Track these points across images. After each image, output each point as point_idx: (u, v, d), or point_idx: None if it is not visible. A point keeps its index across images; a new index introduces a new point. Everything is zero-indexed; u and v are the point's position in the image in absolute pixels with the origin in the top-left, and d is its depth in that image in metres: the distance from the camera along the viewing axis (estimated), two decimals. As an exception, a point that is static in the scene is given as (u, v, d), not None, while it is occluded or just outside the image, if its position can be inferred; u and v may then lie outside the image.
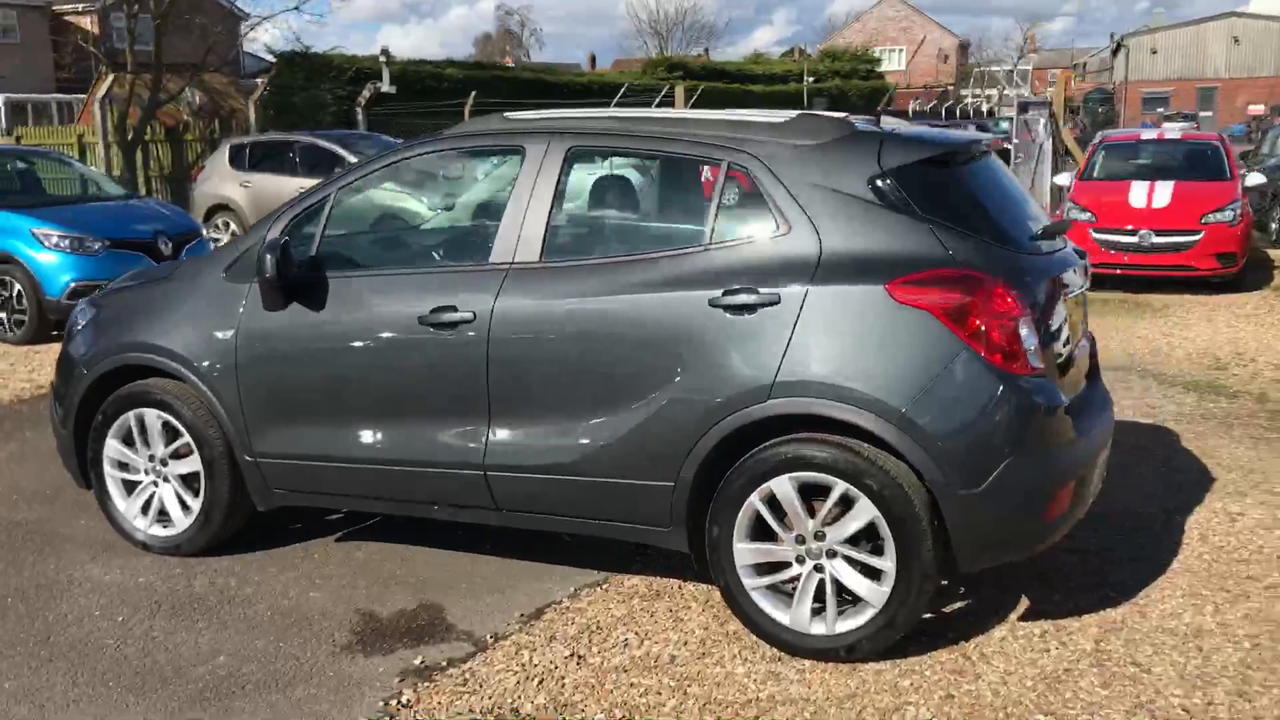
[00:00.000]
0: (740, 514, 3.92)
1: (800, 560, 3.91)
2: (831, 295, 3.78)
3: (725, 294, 3.88)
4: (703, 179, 4.37)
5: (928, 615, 4.25)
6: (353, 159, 14.53)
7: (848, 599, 3.89)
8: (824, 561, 3.88)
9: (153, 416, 4.84)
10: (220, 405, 4.67)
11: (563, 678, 3.85)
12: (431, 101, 20.56)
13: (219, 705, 3.71)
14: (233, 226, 15.52)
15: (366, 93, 20.02)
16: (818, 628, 3.90)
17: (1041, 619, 4.24)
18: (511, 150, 4.38)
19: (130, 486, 4.98)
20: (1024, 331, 3.73)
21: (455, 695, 3.75)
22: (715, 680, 3.82)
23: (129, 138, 20.85)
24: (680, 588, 4.52)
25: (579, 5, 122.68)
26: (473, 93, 19.57)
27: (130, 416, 4.89)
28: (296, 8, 25.75)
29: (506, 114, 4.63)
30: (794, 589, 3.92)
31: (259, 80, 21.05)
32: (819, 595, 3.90)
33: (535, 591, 4.55)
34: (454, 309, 4.23)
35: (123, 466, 4.98)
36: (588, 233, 4.51)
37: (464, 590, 4.58)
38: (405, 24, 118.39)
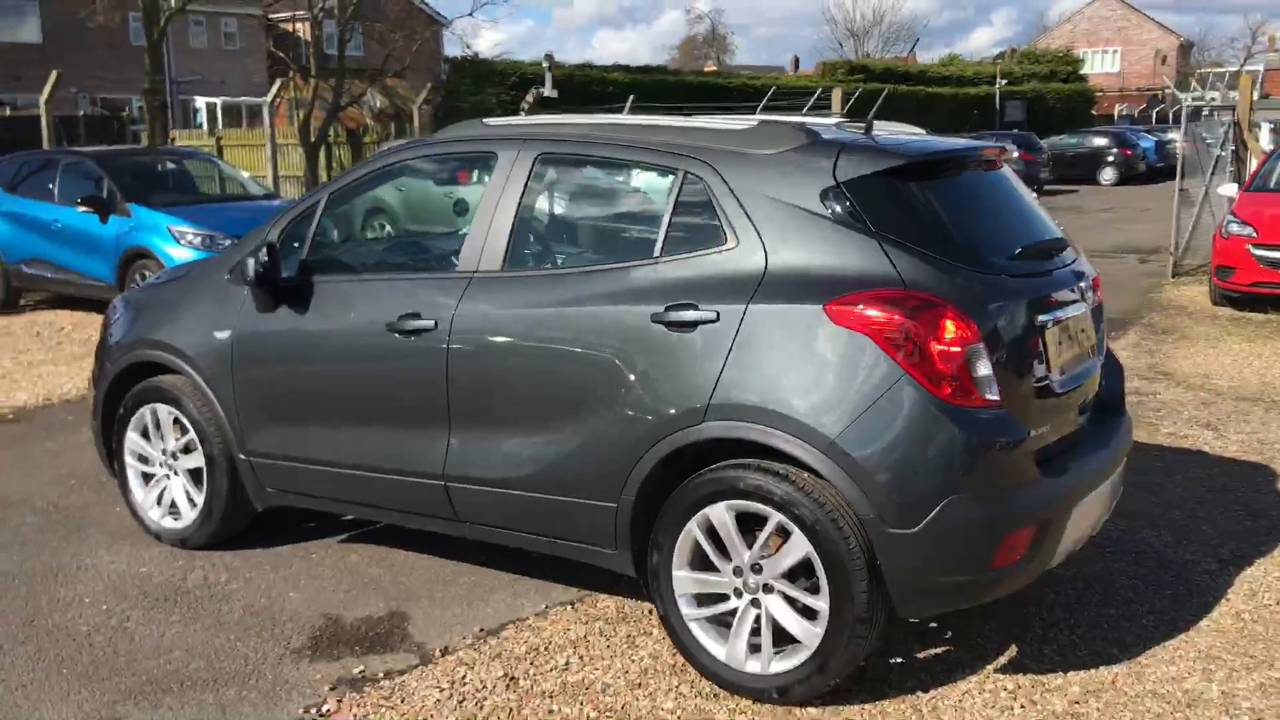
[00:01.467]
0: (679, 540, 3.74)
1: (738, 593, 3.70)
2: (770, 314, 3.55)
3: (667, 309, 3.70)
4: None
5: (897, 659, 3.97)
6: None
7: (784, 638, 3.65)
8: (760, 596, 3.66)
9: (165, 412, 5.00)
10: (218, 404, 4.78)
11: (485, 699, 3.75)
12: (594, 106, 20.72)
13: (150, 700, 3.77)
14: (388, 228, 16.03)
15: (530, 97, 20.37)
16: (753, 665, 3.67)
17: (1021, 673, 3.89)
18: (485, 156, 4.31)
19: (147, 478, 5.16)
20: (976, 360, 3.41)
21: (374, 708, 3.71)
22: (637, 714, 3.64)
23: (311, 139, 21.91)
24: (649, 612, 4.35)
25: (792, 7, 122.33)
26: (630, 97, 19.61)
27: (146, 411, 5.06)
28: (471, 13, 26.47)
29: (486, 119, 4.57)
30: (732, 622, 3.71)
31: (429, 85, 21.74)
32: (757, 631, 3.68)
33: (505, 606, 4.46)
34: (418, 316, 4.20)
35: (142, 459, 5.15)
36: (551, 241, 4.39)
37: (437, 600, 4.54)
38: (621, 29, 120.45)
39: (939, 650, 4.07)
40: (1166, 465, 6.19)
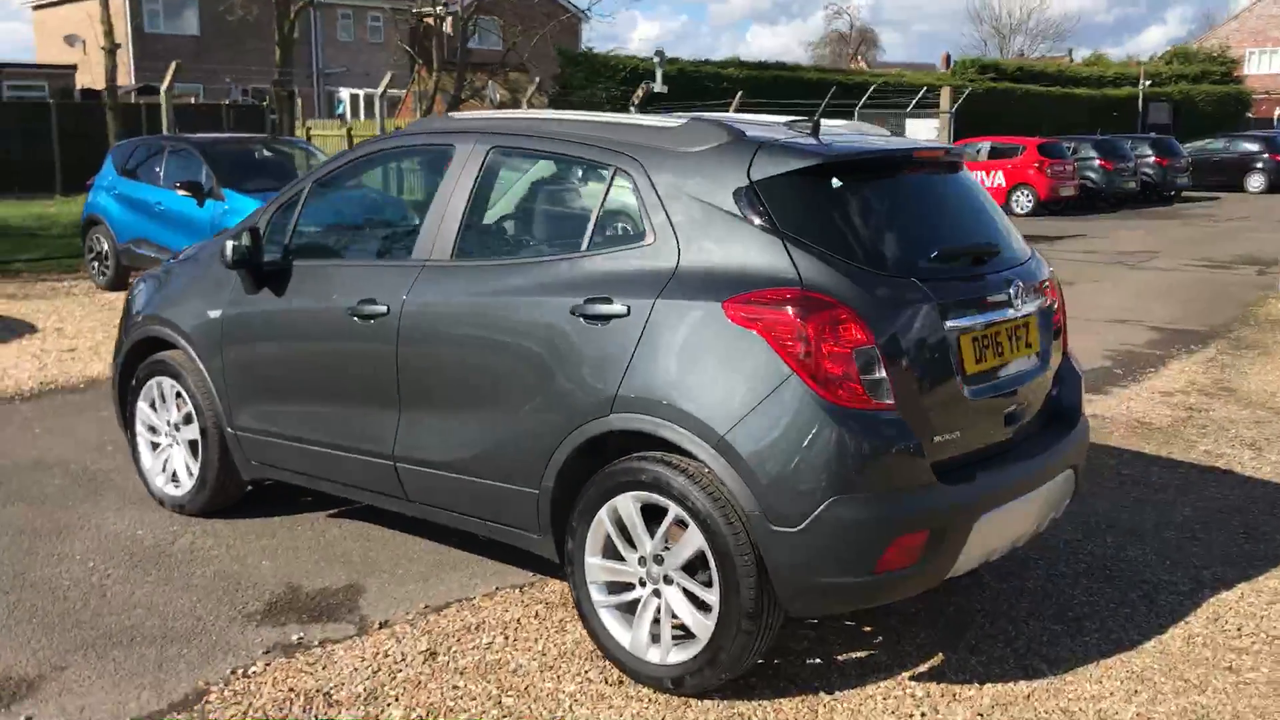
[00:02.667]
0: (591, 529, 3.81)
1: (642, 583, 3.76)
2: (674, 310, 3.59)
3: (585, 302, 3.78)
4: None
5: (815, 660, 3.98)
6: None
7: (681, 629, 3.69)
8: (661, 586, 3.71)
9: (169, 385, 5.29)
10: (210, 379, 5.04)
11: (399, 671, 3.89)
12: (705, 100, 20.80)
13: (98, 652, 4.02)
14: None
15: (640, 92, 20.54)
16: (653, 655, 3.72)
17: (936, 681, 3.85)
18: (445, 149, 4.44)
19: (155, 446, 5.47)
20: (868, 362, 3.39)
21: (295, 673, 3.88)
22: (537, 694, 3.73)
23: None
24: (591, 599, 4.43)
25: (951, 4, 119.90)
26: (739, 93, 19.64)
27: (154, 383, 5.36)
28: (586, 10, 26.69)
29: (451, 114, 4.71)
30: (637, 611, 3.77)
31: (535, 80, 22.11)
32: (659, 621, 3.73)
33: (459, 586, 4.60)
34: (374, 301, 4.36)
35: (151, 429, 5.47)
36: (495, 233, 4.49)
37: (396, 575, 4.70)
38: (775, 24, 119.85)
39: (861, 653, 4.05)
40: (1185, 483, 5.97)
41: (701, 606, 3.62)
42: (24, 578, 4.66)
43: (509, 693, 3.75)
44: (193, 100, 35.44)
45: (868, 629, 4.24)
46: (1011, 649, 4.09)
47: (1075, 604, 4.46)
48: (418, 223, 4.46)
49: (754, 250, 3.56)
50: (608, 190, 3.92)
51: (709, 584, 3.57)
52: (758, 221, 3.58)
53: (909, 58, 73.35)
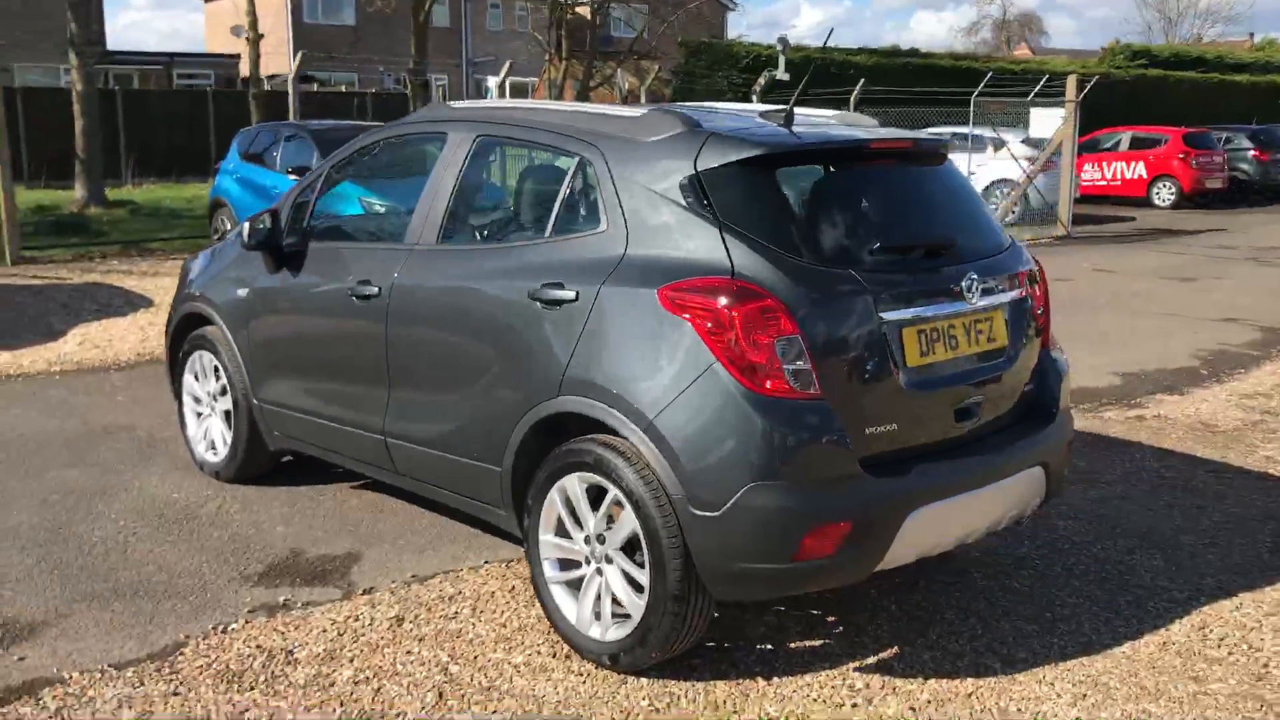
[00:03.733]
0: (545, 507, 3.93)
1: (587, 561, 3.86)
2: (617, 296, 3.68)
3: (542, 287, 3.89)
4: None
5: (766, 646, 4.01)
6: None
7: (620, 607, 3.78)
8: (603, 565, 3.80)
9: (208, 359, 5.62)
10: (239, 353, 5.35)
11: (362, 634, 4.08)
12: (828, 89, 20.53)
13: (102, 602, 4.33)
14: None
15: (761, 80, 20.44)
16: (594, 631, 3.83)
17: (880, 674, 3.84)
18: (440, 136, 4.61)
19: (199, 416, 5.81)
20: (792, 352, 3.41)
21: (267, 631, 4.11)
22: (484, 664, 3.88)
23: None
24: (569, 577, 4.56)
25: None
26: (861, 80, 19.35)
27: (196, 356, 5.71)
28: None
29: (451, 102, 4.86)
30: (583, 588, 3.88)
31: (656, 68, 22.20)
32: (600, 598, 3.83)
33: (451, 558, 4.79)
34: (369, 282, 4.57)
35: (195, 399, 5.82)
36: (476, 218, 4.62)
37: (397, 546, 4.91)
38: (940, 9, 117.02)
39: (816, 642, 4.06)
40: (1227, 489, 5.74)
41: (636, 587, 3.70)
42: (59, 533, 5.04)
43: (458, 660, 3.90)
44: (342, 89, 36.70)
45: (831, 619, 4.25)
46: (972, 646, 4.04)
47: (1057, 605, 4.37)
48: (411, 205, 4.64)
49: (694, 239, 3.62)
50: (572, 178, 4.02)
51: (643, 565, 3.65)
52: (700, 211, 3.63)
53: (1081, 45, 70.74)
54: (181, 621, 4.20)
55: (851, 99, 19.02)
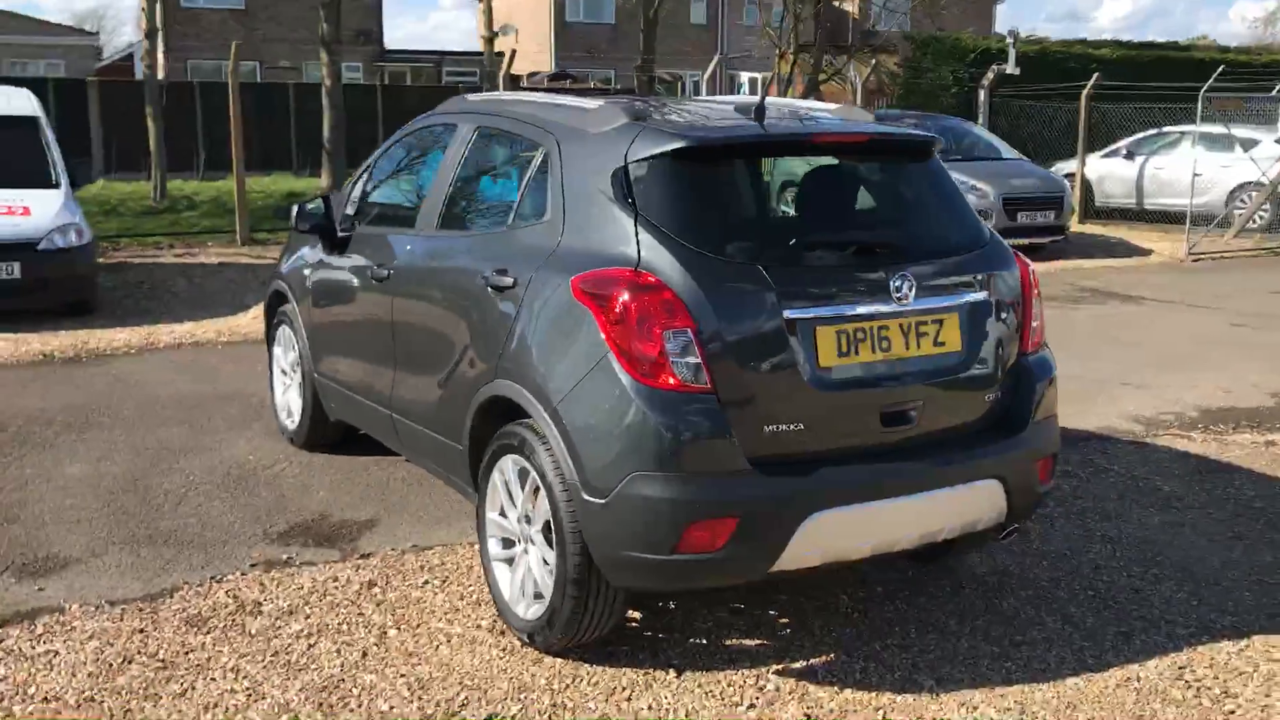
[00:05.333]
0: (489, 487, 4.06)
1: (519, 540, 3.97)
2: (543, 284, 3.76)
3: (493, 273, 4.03)
4: None
5: (700, 640, 4.01)
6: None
7: (539, 588, 3.86)
8: (529, 546, 3.90)
9: (287, 332, 6.08)
10: (303, 328, 5.76)
11: (329, 593, 4.34)
12: (1065, 84, 19.49)
13: (134, 546, 4.79)
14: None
15: (990, 75, 19.69)
16: (519, 609, 3.93)
17: (797, 678, 3.76)
18: (453, 127, 4.81)
19: (284, 385, 6.29)
20: (684, 345, 3.39)
21: (250, 585, 4.42)
22: (422, 631, 4.05)
23: (786, 114, 22.83)
24: (552, 558, 4.67)
25: None
26: (1095, 75, 18.22)
27: (280, 330, 6.18)
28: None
29: (468, 95, 5.04)
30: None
31: (873, 61, 21.70)
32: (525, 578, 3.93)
33: (460, 531, 4.98)
34: (384, 265, 4.84)
35: (282, 371, 6.29)
36: (467, 206, 4.73)
37: (418, 517, 5.17)
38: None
39: (753, 641, 4.01)
40: (1305, 521, 5.21)
41: (550, 569, 3.78)
42: (135, 482, 5.59)
43: (400, 625, 4.10)
44: (592, 84, 37.75)
45: (785, 620, 4.18)
46: (913, 661, 3.88)
47: (1034, 629, 4.12)
48: (429, 193, 4.86)
49: (614, 230, 3.65)
50: (533, 168, 4.14)
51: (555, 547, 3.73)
52: (623, 203, 3.66)
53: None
54: (190, 569, 4.59)
55: (1083, 95, 18.01)
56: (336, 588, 4.41)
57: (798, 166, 3.85)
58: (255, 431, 6.44)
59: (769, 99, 4.20)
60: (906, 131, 4.05)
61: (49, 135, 10.46)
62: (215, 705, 3.56)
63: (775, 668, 3.83)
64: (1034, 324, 4.06)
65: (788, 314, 3.49)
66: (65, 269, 9.43)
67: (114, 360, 8.32)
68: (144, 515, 5.16)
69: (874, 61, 21.12)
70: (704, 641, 4.00)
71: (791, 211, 3.73)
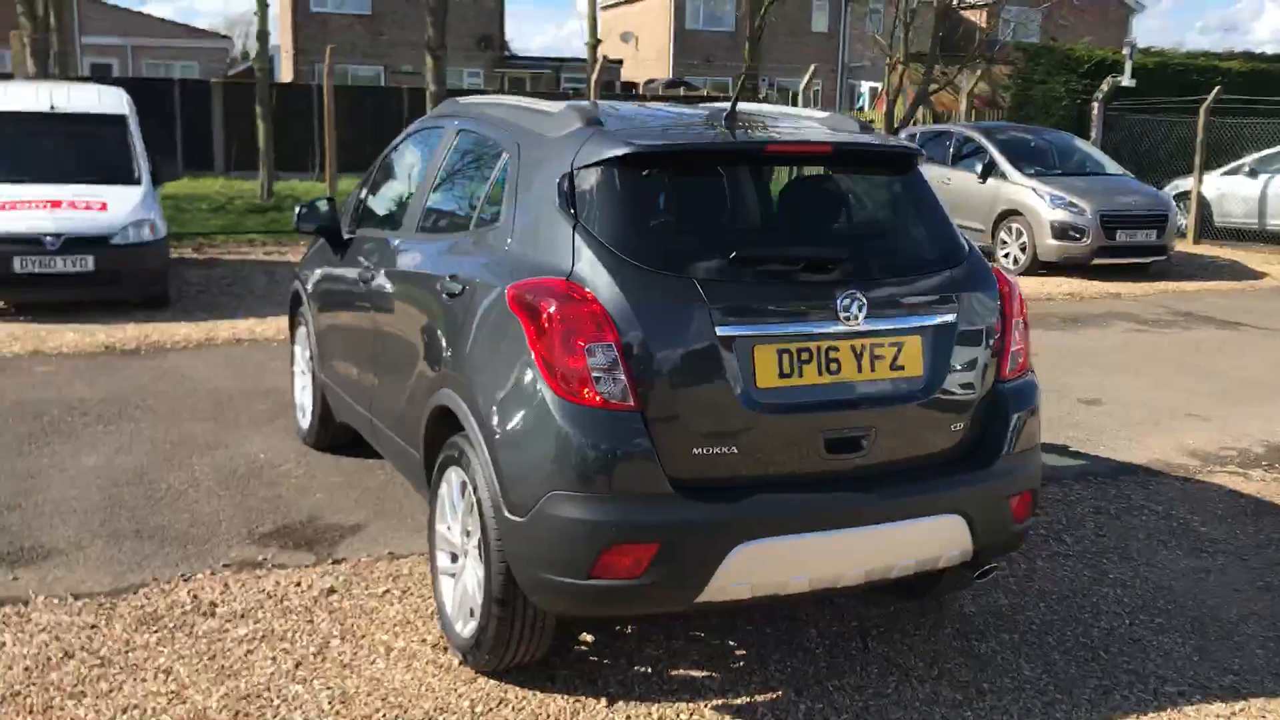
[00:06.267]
0: (438, 497, 3.97)
1: (460, 555, 3.85)
2: (484, 292, 3.65)
3: (448, 279, 3.93)
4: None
5: (643, 669, 3.84)
6: (992, 149, 14.38)
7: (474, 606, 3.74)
8: (468, 561, 3.79)
9: (303, 332, 6.09)
10: (313, 329, 5.76)
11: (284, 599, 4.29)
12: (1185, 97, 18.61)
13: (119, 540, 4.81)
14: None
15: (1104, 86, 18.93)
16: (458, 625, 3.82)
17: (729, 714, 3.56)
18: (441, 130, 4.73)
19: (302, 386, 6.30)
20: (607, 361, 3.23)
21: (214, 585, 4.39)
22: (363, 643, 3.96)
23: (894, 125, 22.36)
24: (522, 573, 4.55)
25: None
26: (1216, 89, 17.34)
27: (299, 330, 6.20)
28: None
29: (459, 99, 4.95)
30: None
31: (977, 72, 21.02)
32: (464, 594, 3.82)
33: (439, 541, 4.91)
34: (368, 269, 4.80)
35: (301, 372, 6.31)
36: (440, 210, 4.62)
37: (405, 523, 5.07)
38: None
39: (698, 672, 3.82)
40: (1360, 577, 4.77)
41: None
42: (143, 476, 5.66)
43: (344, 636, 4.02)
44: (704, 92, 37.60)
45: (741, 651, 3.99)
46: (865, 704, 3.65)
47: (1007, 677, 3.85)
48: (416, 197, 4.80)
49: (555, 238, 3.52)
50: (495, 172, 4.03)
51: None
52: (565, 210, 3.53)
53: None
54: (164, 566, 4.60)
55: (1201, 109, 17.16)
56: (296, 593, 4.37)
57: (754, 177, 3.66)
58: (275, 430, 6.48)
59: (755, 105, 4.02)
60: (878, 142, 3.82)
61: (135, 133, 10.77)
62: (135, 707, 3.53)
63: (715, 702, 3.64)
64: (1014, 349, 3.78)
65: (722, 331, 3.30)
66: (137, 263, 9.69)
67: (169, 354, 8.50)
68: (138, 509, 5.20)
69: (979, 72, 20.49)
70: (649, 670, 3.83)
71: (738, 224, 3.54)
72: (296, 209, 5.34)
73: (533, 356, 3.33)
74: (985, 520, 3.62)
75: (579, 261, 3.39)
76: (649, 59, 46.05)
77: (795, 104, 21.92)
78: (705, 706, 3.62)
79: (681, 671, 3.83)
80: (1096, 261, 13.50)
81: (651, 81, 40.28)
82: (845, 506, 3.41)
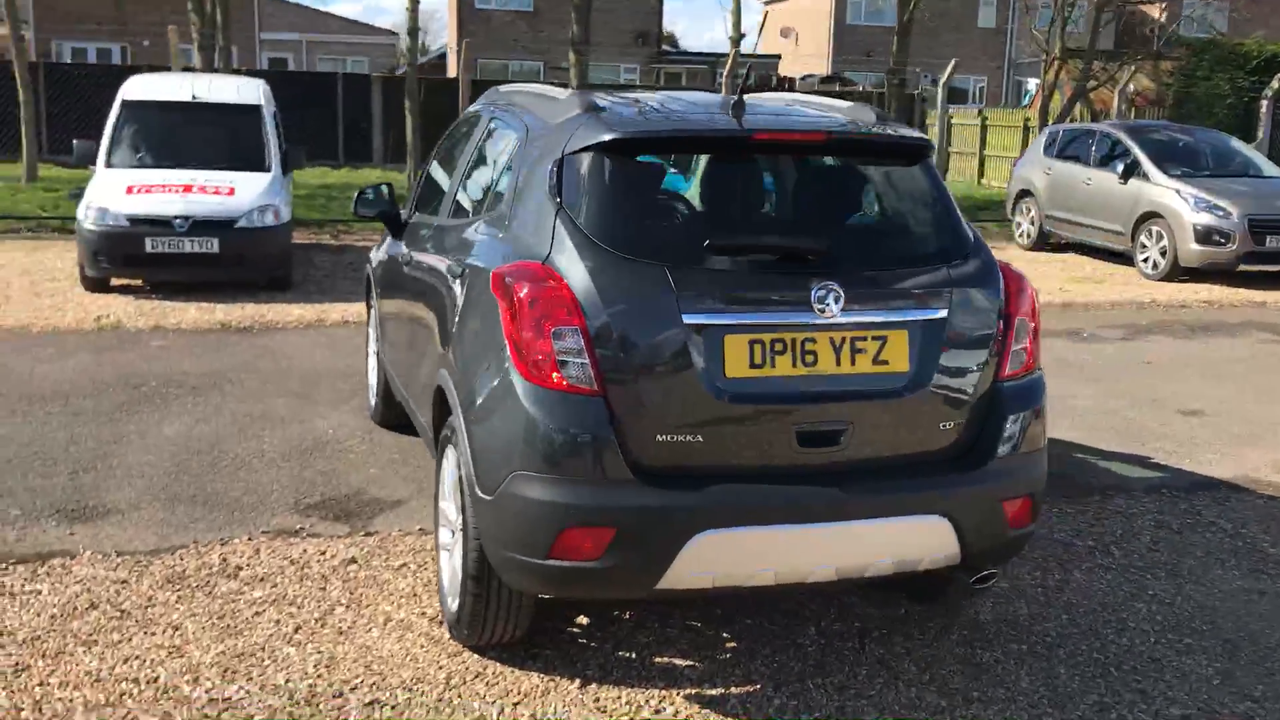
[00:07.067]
0: (441, 475, 4.06)
1: (455, 531, 3.94)
2: (477, 274, 3.72)
3: (454, 262, 4.02)
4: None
5: (627, 654, 3.86)
6: (1135, 148, 13.77)
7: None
8: (458, 538, 3.86)
9: (372, 316, 6.30)
10: (376, 311, 5.96)
11: (306, 567, 4.46)
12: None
13: (173, 504, 5.09)
14: (1031, 212, 15.61)
15: (1275, 84, 17.90)
16: (450, 601, 3.90)
17: (704, 705, 3.55)
18: (478, 118, 4.83)
19: (373, 364, 6.51)
20: (573, 344, 3.25)
21: (245, 552, 4.59)
22: (365, 613, 4.09)
23: (1049, 120, 21.63)
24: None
25: None
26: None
27: (371, 312, 6.41)
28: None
29: (501, 86, 5.01)
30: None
31: (1135, 68, 20.03)
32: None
33: (471, 520, 5.02)
34: (409, 254, 4.94)
35: (373, 353, 6.52)
36: (465, 196, 4.68)
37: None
38: None
39: (682, 661, 3.81)
40: None
41: (468, 562, 3.73)
42: (216, 445, 5.95)
43: (349, 604, 4.16)
44: (859, 88, 37.01)
45: (732, 644, 3.96)
46: (841, 705, 3.58)
47: (1000, 686, 3.71)
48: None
49: (541, 223, 3.56)
50: (506, 157, 4.10)
51: (472, 541, 3.68)
52: (553, 195, 3.56)
53: None
54: (207, 530, 4.84)
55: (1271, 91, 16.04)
56: (319, 561, 4.53)
57: (743, 165, 3.61)
58: (350, 408, 6.71)
59: (776, 95, 3.98)
60: (880, 132, 3.72)
61: (269, 123, 11.28)
62: (136, 658, 3.73)
63: (688, 691, 3.63)
64: (1016, 348, 3.64)
65: (690, 319, 3.28)
66: (260, 246, 10.15)
67: (277, 333, 8.88)
68: (201, 476, 5.47)
69: (1132, 69, 19.57)
70: (633, 655, 3.85)
71: (718, 212, 3.51)
72: (356, 194, 5.52)
73: (505, 338, 3.38)
74: (974, 524, 3.50)
75: (556, 246, 3.42)
76: (808, 54, 45.57)
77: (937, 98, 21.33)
78: (678, 695, 3.61)
79: (665, 659, 3.83)
80: (1243, 268, 12.77)
81: (808, 76, 39.86)
82: (816, 500, 3.34)
